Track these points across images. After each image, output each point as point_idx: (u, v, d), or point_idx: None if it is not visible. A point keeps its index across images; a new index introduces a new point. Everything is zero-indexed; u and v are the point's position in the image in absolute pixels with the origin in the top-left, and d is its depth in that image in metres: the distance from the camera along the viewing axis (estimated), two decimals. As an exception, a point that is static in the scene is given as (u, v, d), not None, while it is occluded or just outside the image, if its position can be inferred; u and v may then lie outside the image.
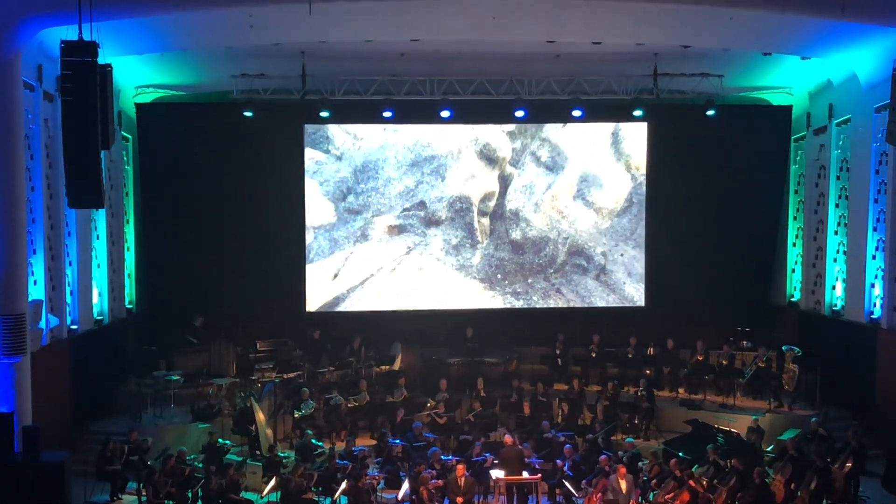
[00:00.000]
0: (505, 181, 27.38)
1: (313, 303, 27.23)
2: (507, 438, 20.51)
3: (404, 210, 27.16)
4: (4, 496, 17.73)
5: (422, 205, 27.15)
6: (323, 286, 27.16)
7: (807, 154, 27.36)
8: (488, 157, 27.24)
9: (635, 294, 27.89)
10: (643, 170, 27.54)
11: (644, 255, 27.87)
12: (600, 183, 27.46)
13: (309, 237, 27.07)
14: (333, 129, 26.88)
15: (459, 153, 27.18)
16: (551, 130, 27.29)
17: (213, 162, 26.61)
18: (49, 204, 21.44)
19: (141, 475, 19.62)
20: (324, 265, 27.12)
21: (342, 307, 27.26)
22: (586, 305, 28.01)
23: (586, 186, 27.46)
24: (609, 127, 27.41)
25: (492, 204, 27.38)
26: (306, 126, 26.91)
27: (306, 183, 26.95)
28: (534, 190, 27.47)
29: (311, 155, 26.85)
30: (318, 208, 26.95)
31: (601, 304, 27.99)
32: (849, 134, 25.08)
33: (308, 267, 27.13)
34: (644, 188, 27.62)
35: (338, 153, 26.86)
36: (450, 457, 20.50)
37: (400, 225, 27.08)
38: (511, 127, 27.21)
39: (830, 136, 25.91)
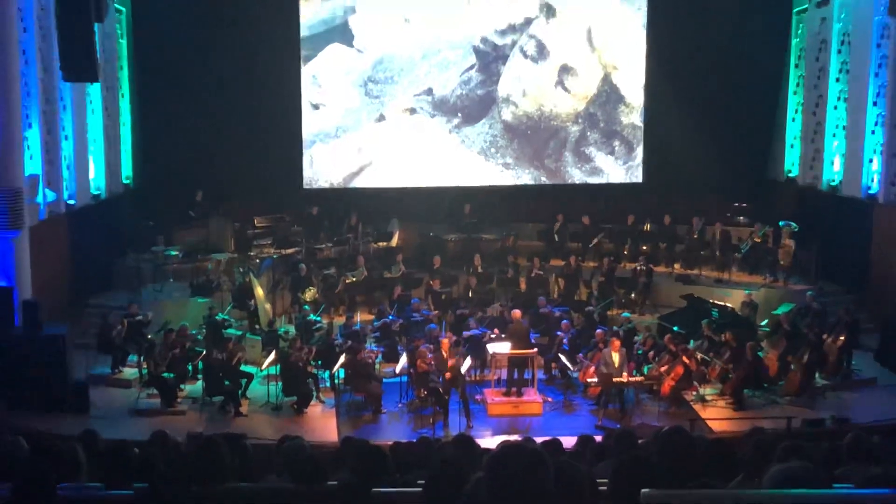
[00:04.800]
0: (497, 71, 27.98)
1: (337, 175, 27.93)
2: (516, 313, 20.50)
3: (415, 95, 27.88)
4: (6, 369, 17.95)
5: (429, 91, 27.88)
6: (348, 159, 27.92)
7: (808, 27, 26.98)
8: (484, 51, 27.87)
9: (621, 172, 28.55)
10: (614, 62, 28.10)
11: (642, 132, 27.87)
12: (576, 73, 28.14)
13: (337, 117, 27.75)
14: (356, 28, 27.49)
15: (460, 47, 27.83)
16: (537, 28, 27.76)
17: (208, 35, 26.16)
18: (43, 77, 21.17)
19: (141, 348, 19.82)
20: (348, 140, 27.81)
21: (360, 181, 27.94)
22: (580, 182, 28.20)
23: (564, 76, 28.10)
24: (584, 25, 27.73)
25: (487, 90, 28.05)
26: (332, 21, 27.19)
27: (334, 74, 27.67)
28: (522, 79, 28.16)
29: (338, 49, 27.54)
30: (344, 93, 27.74)
31: (594, 181, 28.27)
32: (851, 6, 24.73)
33: (335, 142, 27.83)
34: (621, 75, 28.17)
35: (360, 48, 27.60)
36: (444, 334, 20.62)
37: (411, 108, 27.93)
38: (503, 25, 27.73)
39: (832, 9, 25.49)
